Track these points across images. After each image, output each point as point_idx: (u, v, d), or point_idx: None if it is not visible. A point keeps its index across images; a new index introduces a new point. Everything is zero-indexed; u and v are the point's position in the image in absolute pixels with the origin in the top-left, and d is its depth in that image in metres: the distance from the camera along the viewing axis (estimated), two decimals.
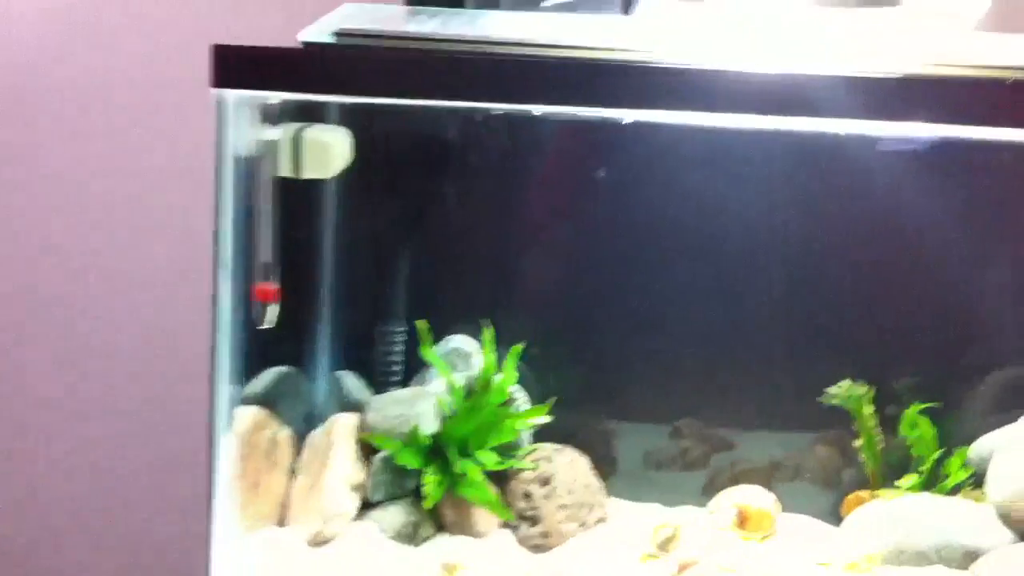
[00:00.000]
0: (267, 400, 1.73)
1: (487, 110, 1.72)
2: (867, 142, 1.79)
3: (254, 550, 1.65)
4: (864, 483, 1.88)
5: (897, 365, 1.91)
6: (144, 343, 2.31)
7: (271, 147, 1.53)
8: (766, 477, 1.96)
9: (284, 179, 1.60)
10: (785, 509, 1.83)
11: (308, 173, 1.64)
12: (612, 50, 1.44)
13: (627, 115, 1.61)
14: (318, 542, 1.67)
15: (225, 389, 1.58)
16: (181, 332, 2.24)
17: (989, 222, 1.88)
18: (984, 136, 1.52)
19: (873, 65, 1.44)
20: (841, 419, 1.89)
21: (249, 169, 1.52)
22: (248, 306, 1.58)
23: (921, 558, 1.71)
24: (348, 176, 1.72)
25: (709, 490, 1.93)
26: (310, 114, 1.66)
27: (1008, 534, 1.71)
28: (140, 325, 2.30)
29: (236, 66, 1.41)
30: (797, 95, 1.46)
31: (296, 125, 1.63)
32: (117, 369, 2.33)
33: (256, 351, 1.64)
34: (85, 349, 2.32)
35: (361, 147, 1.72)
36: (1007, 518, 1.71)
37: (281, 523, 1.72)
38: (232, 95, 1.45)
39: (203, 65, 1.42)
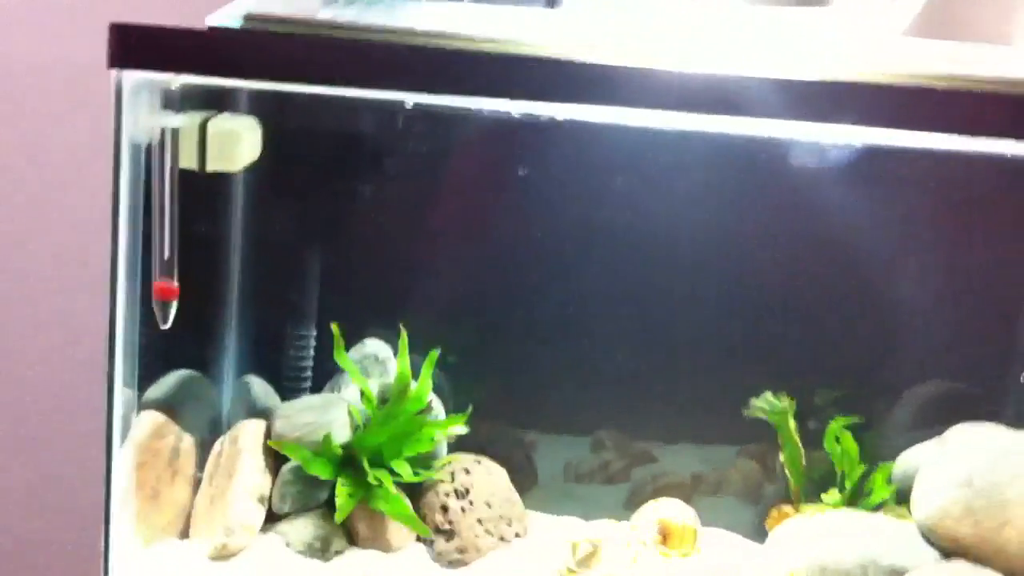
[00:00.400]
0: (169, 406, 1.63)
1: (401, 102, 1.65)
2: (790, 147, 1.76)
3: (153, 564, 1.55)
4: (787, 498, 1.85)
5: (819, 379, 1.88)
6: (39, 343, 2.18)
7: (174, 136, 1.44)
8: (688, 491, 1.93)
9: (188, 172, 1.51)
10: (707, 523, 1.79)
11: (213, 165, 1.55)
12: (524, 44, 1.38)
13: (544, 111, 1.55)
14: (221, 556, 1.58)
15: (122, 393, 1.48)
16: (79, 333, 2.13)
17: (915, 233, 1.86)
18: (910, 143, 1.50)
19: (796, 68, 1.41)
20: (764, 433, 1.86)
21: (150, 159, 1.43)
22: (148, 305, 1.48)
23: (845, 575, 1.68)
24: (256, 170, 1.64)
25: (631, 504, 1.88)
26: (217, 102, 1.57)
27: (932, 552, 1.68)
28: (33, 325, 2.18)
29: (136, 46, 1.32)
30: (716, 94, 1.41)
31: (201, 114, 1.54)
32: (8, 371, 2.20)
33: (157, 354, 1.55)
34: None
35: (271, 140, 1.64)
36: (932, 535, 1.69)
37: (183, 535, 1.63)
38: (131, 77, 1.36)
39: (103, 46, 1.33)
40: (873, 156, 1.72)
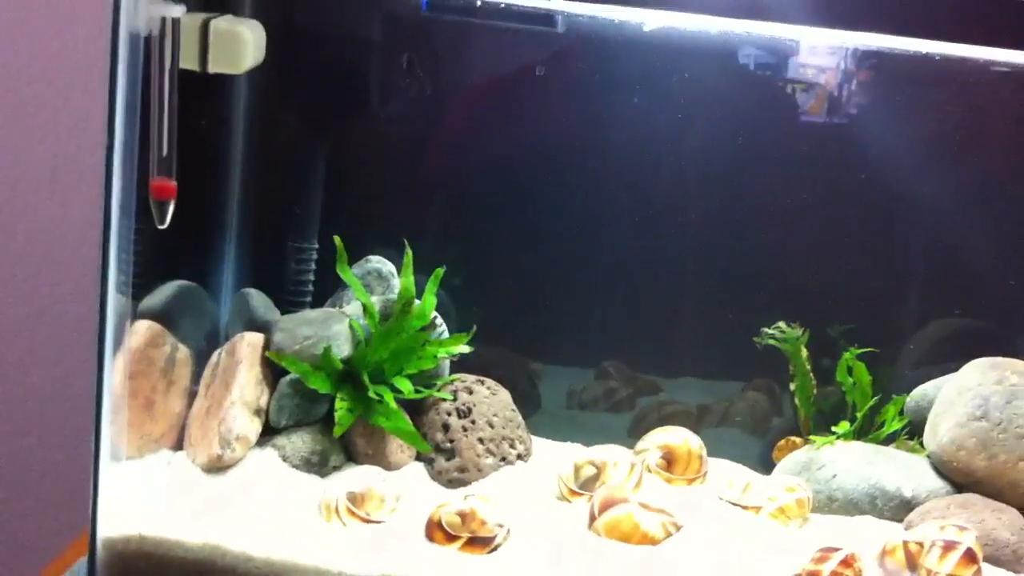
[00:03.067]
0: (165, 315, 1.58)
1: (415, 3, 1.60)
2: (825, 68, 1.71)
3: (145, 474, 1.51)
4: (793, 431, 1.81)
5: (832, 312, 1.83)
6: (26, 254, 2.13)
7: (174, 26, 1.37)
8: (694, 421, 1.89)
9: (188, 72, 1.45)
10: (713, 454, 1.75)
11: (216, 67, 1.50)
12: None
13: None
14: (216, 468, 1.54)
15: (116, 300, 1.43)
16: (73, 244, 2.08)
17: (937, 160, 1.80)
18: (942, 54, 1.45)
19: None
20: (771, 367, 1.82)
21: (149, 53, 1.36)
22: (144, 209, 1.42)
23: (852, 507, 1.64)
24: (260, 74, 1.58)
25: (635, 432, 1.84)
26: (219, 2, 1.51)
27: (944, 484, 1.65)
28: (26, 233, 2.12)
29: None
30: None
31: (203, 14, 1.48)
32: None
33: (153, 262, 1.49)
34: None
35: (274, 43, 1.58)
36: (945, 468, 1.65)
37: (176, 447, 1.59)
38: None
39: None
40: (905, 75, 1.67)
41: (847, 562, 1.41)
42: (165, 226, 1.40)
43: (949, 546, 1.45)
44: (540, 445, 1.75)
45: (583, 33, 1.70)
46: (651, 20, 1.60)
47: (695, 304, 1.88)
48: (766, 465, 1.77)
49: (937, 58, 1.58)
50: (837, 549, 1.42)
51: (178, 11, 1.38)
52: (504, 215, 1.84)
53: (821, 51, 1.73)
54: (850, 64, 1.74)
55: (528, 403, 1.82)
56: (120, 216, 1.37)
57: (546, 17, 1.66)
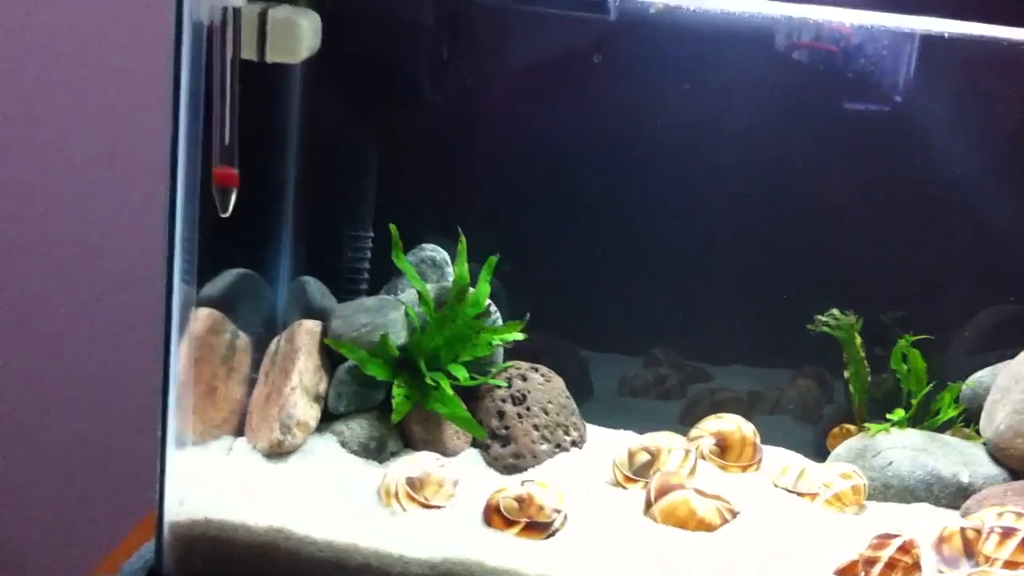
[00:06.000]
0: (225, 303, 1.60)
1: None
2: (878, 64, 1.70)
3: (208, 460, 1.54)
4: (845, 419, 1.80)
5: (887, 299, 1.83)
6: (86, 239, 2.16)
7: (235, 15, 1.39)
8: (746, 408, 1.89)
9: (246, 62, 1.47)
10: (767, 442, 1.75)
11: (274, 56, 1.51)
12: None
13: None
14: (276, 453, 1.56)
15: (180, 288, 1.45)
16: (130, 230, 2.10)
17: (993, 147, 1.79)
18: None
19: None
20: (822, 355, 1.82)
21: (211, 42, 1.38)
22: (206, 199, 1.44)
23: (908, 494, 1.64)
24: (318, 63, 1.60)
25: (686, 419, 1.85)
26: None
27: (1001, 471, 1.64)
28: (80, 220, 2.15)
29: None
30: None
31: (260, 3, 1.50)
32: (60, 270, 2.17)
33: (214, 251, 1.51)
34: (24, 244, 2.17)
35: (331, 32, 1.59)
36: (1002, 455, 1.64)
37: (237, 433, 1.61)
38: None
39: None
40: (957, 60, 1.66)
41: (905, 548, 1.41)
42: (228, 214, 1.42)
43: (1007, 532, 1.45)
44: (593, 432, 1.76)
45: (633, 19, 1.69)
46: (704, 3, 1.60)
47: (745, 291, 1.87)
48: (818, 453, 1.77)
49: (985, 40, 1.57)
50: (895, 535, 1.42)
51: (239, 1, 1.40)
52: (555, 202, 1.85)
53: (871, 35, 1.72)
54: (901, 48, 1.73)
55: (580, 390, 1.83)
56: (185, 204, 1.38)
57: (597, 4, 1.66)
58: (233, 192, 1.42)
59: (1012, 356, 1.72)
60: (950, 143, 1.76)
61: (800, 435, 1.87)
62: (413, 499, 1.49)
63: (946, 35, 1.61)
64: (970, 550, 1.47)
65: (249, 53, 1.50)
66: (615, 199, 1.83)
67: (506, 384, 1.68)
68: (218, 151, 1.40)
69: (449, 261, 1.77)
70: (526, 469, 1.63)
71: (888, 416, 1.73)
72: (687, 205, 1.83)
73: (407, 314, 1.67)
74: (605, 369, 1.96)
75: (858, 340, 1.75)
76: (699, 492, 1.53)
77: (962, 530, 1.48)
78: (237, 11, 1.40)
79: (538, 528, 1.46)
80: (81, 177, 2.13)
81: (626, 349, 1.96)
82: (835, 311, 1.76)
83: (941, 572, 1.46)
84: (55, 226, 2.15)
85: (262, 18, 1.51)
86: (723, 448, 1.71)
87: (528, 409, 1.67)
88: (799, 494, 1.62)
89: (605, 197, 1.84)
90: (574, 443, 1.70)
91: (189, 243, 1.43)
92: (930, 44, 1.69)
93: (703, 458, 1.68)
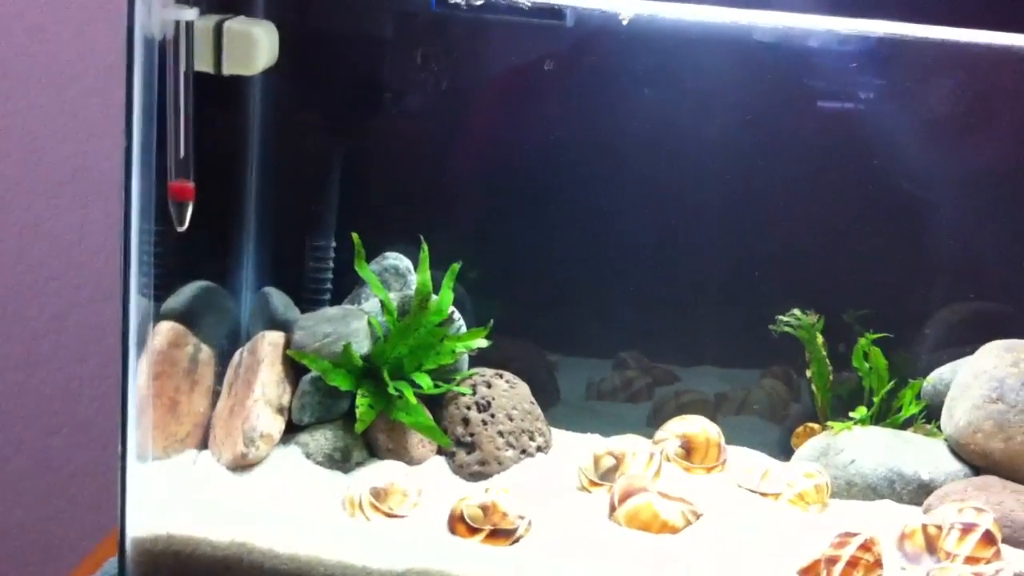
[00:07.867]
0: (187, 316, 1.60)
1: (425, 3, 1.61)
2: (837, 56, 1.71)
3: (171, 474, 1.54)
4: (811, 418, 1.82)
5: (847, 299, 1.84)
6: (48, 255, 2.15)
7: (188, 29, 1.39)
8: (712, 410, 1.90)
9: (203, 74, 1.47)
10: (732, 442, 1.76)
11: (230, 68, 1.51)
12: None
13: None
14: (241, 466, 1.56)
15: (138, 302, 1.45)
16: (95, 245, 2.10)
17: (952, 147, 1.80)
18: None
19: None
20: (787, 355, 1.83)
21: (164, 57, 1.38)
22: (163, 211, 1.44)
23: (871, 491, 1.65)
24: (275, 74, 1.60)
25: (653, 422, 1.86)
26: (231, 4, 1.53)
27: (962, 467, 1.66)
28: (50, 234, 2.14)
29: None
30: None
31: (216, 16, 1.50)
32: (21, 284, 2.17)
33: (173, 263, 1.51)
34: None
35: (290, 44, 1.60)
36: (962, 451, 1.66)
37: (201, 446, 1.61)
38: None
39: None
40: (922, 65, 1.67)
41: (866, 546, 1.42)
42: (184, 228, 1.42)
43: (967, 528, 1.46)
44: (560, 437, 1.76)
45: (594, 27, 1.70)
46: (662, 11, 1.61)
47: (711, 293, 1.88)
48: (785, 452, 1.78)
49: (946, 43, 1.58)
50: (856, 533, 1.43)
51: (191, 14, 1.40)
52: (519, 209, 1.86)
53: (835, 39, 1.73)
54: (865, 51, 1.74)
55: (547, 395, 1.84)
56: (140, 218, 1.38)
57: (554, 12, 1.67)
58: (189, 206, 1.42)
59: (972, 353, 1.74)
60: (908, 142, 1.77)
61: (767, 435, 1.88)
62: (377, 509, 1.50)
63: (906, 37, 1.62)
64: (932, 546, 1.48)
65: (206, 66, 1.50)
66: (579, 204, 1.84)
67: (471, 391, 1.69)
68: (173, 165, 1.40)
69: (412, 269, 1.77)
70: (492, 476, 1.64)
71: (851, 414, 1.74)
72: (652, 209, 1.84)
73: (370, 323, 1.67)
74: (573, 373, 1.96)
75: (820, 339, 1.77)
76: (663, 495, 1.54)
77: (924, 527, 1.49)
78: (190, 25, 1.40)
79: (502, 535, 1.47)
80: (47, 193, 2.12)
81: (594, 353, 1.97)
82: (796, 311, 1.77)
83: (904, 569, 1.48)
84: (21, 242, 2.14)
85: (218, 31, 1.50)
86: (688, 450, 1.72)
87: (493, 416, 1.67)
88: (763, 494, 1.63)
89: (569, 202, 1.84)
90: (540, 448, 1.70)
91: (146, 256, 1.43)
92: (886, 46, 1.70)
93: (668, 460, 1.69)
